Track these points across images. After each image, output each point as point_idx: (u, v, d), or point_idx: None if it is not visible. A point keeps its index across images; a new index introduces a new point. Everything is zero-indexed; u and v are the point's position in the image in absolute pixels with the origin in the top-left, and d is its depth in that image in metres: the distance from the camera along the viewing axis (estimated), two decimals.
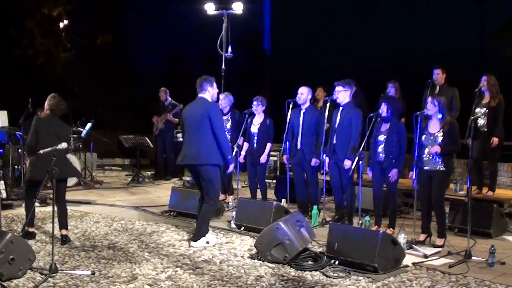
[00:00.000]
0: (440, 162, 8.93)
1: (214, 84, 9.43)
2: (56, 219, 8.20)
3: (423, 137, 9.11)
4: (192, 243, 9.12)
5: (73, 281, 7.12)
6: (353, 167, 10.13)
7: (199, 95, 9.34)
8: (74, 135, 15.47)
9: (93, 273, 7.41)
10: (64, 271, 7.42)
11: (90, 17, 27.68)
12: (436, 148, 8.89)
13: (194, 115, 9.22)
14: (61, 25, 28.54)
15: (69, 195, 13.26)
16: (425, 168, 9.09)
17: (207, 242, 9.11)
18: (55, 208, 7.90)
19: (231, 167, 9.50)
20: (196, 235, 9.19)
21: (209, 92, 9.33)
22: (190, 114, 9.31)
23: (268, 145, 12.02)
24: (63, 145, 8.09)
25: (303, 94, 11.23)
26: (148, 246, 8.96)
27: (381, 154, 9.69)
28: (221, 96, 12.79)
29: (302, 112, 11.23)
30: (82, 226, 10.34)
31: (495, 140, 11.14)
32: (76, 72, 28.33)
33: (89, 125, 15.56)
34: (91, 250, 8.60)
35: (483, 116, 11.13)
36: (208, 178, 9.17)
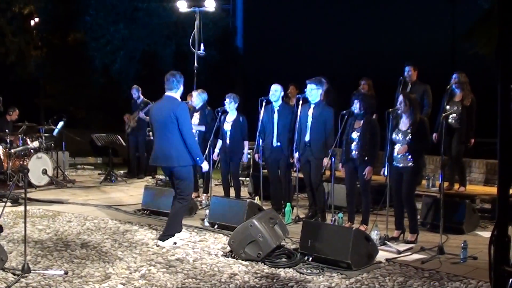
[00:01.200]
0: (409, 159, 9.01)
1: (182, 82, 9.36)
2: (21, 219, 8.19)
3: (394, 134, 9.19)
4: (159, 242, 9.07)
5: (46, 281, 7.08)
6: (328, 165, 10.22)
7: (168, 93, 9.21)
8: (45, 134, 15.41)
9: (66, 273, 7.37)
10: (37, 271, 7.37)
11: (61, 15, 27.45)
12: (403, 149, 9.00)
13: (162, 114, 9.09)
14: (32, 23, 28.31)
15: (41, 195, 13.28)
16: (396, 165, 9.17)
17: (175, 243, 9.05)
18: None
19: (205, 166, 9.49)
20: (164, 235, 9.15)
21: (180, 90, 9.26)
22: (159, 114, 9.19)
23: (246, 143, 12.04)
24: (35, 143, 8.06)
25: (277, 91, 11.27)
26: (121, 245, 8.93)
27: (354, 151, 9.74)
28: (194, 94, 12.81)
29: (276, 109, 11.25)
30: (55, 226, 10.28)
31: (472, 141, 11.33)
32: (48, 70, 28.13)
33: (61, 123, 15.49)
34: (64, 250, 8.55)
35: (454, 113, 11.22)
36: (181, 178, 9.14)
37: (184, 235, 9.43)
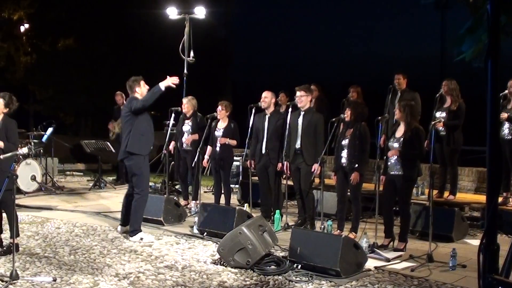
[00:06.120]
0: (401, 167, 9.01)
1: (142, 83, 10.10)
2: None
3: (390, 141, 9.20)
4: (130, 237, 9.74)
5: None
6: (317, 172, 10.18)
7: (131, 96, 10.11)
8: (35, 140, 15.36)
9: (55, 280, 7.35)
10: (25, 278, 7.35)
11: (51, 21, 27.42)
12: (393, 152, 8.99)
13: (123, 113, 10.16)
14: (22, 28, 28.26)
15: (30, 201, 13.22)
16: (390, 172, 9.17)
17: (141, 239, 9.68)
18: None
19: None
20: (132, 231, 9.82)
21: (138, 92, 10.01)
22: (121, 114, 10.43)
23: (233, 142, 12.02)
24: (24, 150, 8.01)
25: (267, 98, 11.26)
26: (110, 252, 8.91)
27: (343, 159, 9.74)
28: (184, 101, 12.78)
29: (267, 116, 11.24)
30: (43, 232, 10.25)
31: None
32: (37, 77, 28.07)
33: (50, 130, 15.43)
34: (52, 257, 8.53)
35: (442, 120, 11.17)
36: (137, 169, 9.94)
37: (146, 237, 9.85)
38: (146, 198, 10.14)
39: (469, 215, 11.66)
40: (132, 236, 9.74)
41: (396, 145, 9.08)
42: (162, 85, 9.66)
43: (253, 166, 11.50)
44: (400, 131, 9.17)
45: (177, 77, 9.88)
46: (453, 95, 11.22)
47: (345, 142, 9.75)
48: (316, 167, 10.22)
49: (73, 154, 21.46)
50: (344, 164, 9.77)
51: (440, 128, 11.16)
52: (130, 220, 9.94)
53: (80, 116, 31.44)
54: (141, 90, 9.99)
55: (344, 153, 9.75)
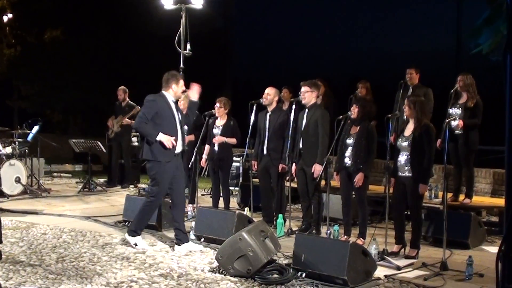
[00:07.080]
0: (410, 168, 8.99)
1: (181, 82, 9.75)
2: None
3: (399, 140, 9.18)
4: (126, 235, 9.84)
5: None
6: (319, 172, 10.16)
7: (162, 91, 9.71)
8: (19, 139, 15.35)
9: None
10: None
11: (37, 11, 27.43)
12: (423, 189, 8.98)
13: None
14: (5, 18, 28.26)
15: (14, 205, 13.21)
16: (399, 174, 9.15)
17: (136, 244, 9.62)
18: None
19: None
20: (131, 230, 9.77)
21: (172, 90, 9.65)
22: None
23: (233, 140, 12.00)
24: (8, 149, 8.00)
25: (270, 95, 11.22)
26: (100, 260, 8.88)
27: (347, 158, 9.72)
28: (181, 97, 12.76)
29: (268, 114, 11.22)
30: (28, 238, 10.23)
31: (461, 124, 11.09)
32: (22, 71, 28.06)
33: (36, 128, 15.42)
34: (38, 265, 8.51)
35: (458, 117, 11.13)
36: (153, 174, 9.64)
37: (141, 243, 9.75)
38: (157, 205, 10.09)
39: (486, 220, 11.66)
40: (129, 235, 9.68)
41: (405, 144, 9.07)
42: (159, 138, 9.30)
43: (255, 167, 11.49)
44: (409, 129, 9.15)
45: (198, 86, 9.97)
46: (469, 91, 11.18)
47: (350, 141, 9.74)
48: (316, 168, 10.21)
49: (74, 153, 21.45)
50: (347, 164, 9.76)
51: (454, 124, 11.10)
52: (134, 219, 9.91)
53: (69, 113, 31.41)
54: (177, 90, 9.66)
55: (348, 153, 9.73)
